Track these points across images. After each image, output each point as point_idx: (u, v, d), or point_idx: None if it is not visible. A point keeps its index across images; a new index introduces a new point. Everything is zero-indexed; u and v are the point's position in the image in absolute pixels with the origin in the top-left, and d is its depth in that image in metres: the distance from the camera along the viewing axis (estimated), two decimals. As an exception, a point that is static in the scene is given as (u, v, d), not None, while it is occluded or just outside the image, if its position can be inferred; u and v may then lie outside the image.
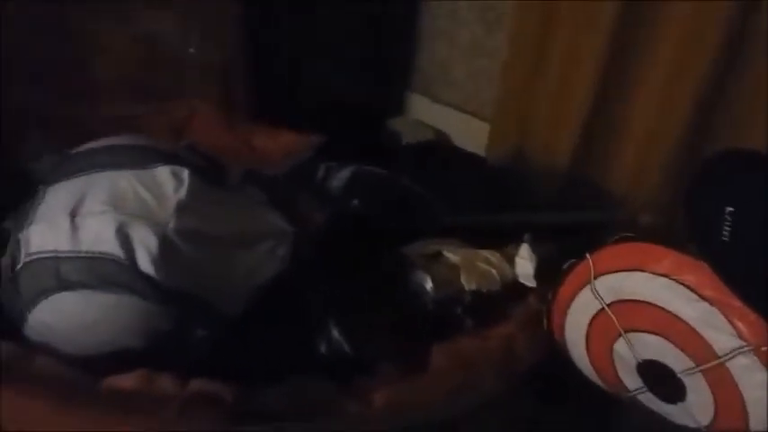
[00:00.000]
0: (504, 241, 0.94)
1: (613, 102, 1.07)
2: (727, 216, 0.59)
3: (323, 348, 0.73)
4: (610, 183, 1.14)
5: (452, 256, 0.85)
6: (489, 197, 1.14)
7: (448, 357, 0.72)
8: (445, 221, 0.99)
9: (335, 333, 0.73)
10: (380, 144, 1.38)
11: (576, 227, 1.02)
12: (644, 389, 0.72)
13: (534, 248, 0.91)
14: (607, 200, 1.14)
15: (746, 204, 0.59)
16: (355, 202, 0.96)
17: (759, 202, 0.58)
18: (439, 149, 1.44)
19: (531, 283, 0.88)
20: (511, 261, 0.90)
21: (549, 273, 0.85)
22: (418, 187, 1.02)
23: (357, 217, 0.94)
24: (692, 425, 0.69)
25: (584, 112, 1.09)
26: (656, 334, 0.68)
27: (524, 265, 0.89)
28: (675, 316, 0.65)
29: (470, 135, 1.40)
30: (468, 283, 0.83)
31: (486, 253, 0.89)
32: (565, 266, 0.80)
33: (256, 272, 0.73)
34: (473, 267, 0.85)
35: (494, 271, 0.87)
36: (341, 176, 1.01)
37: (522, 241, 0.91)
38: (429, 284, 0.81)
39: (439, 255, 0.86)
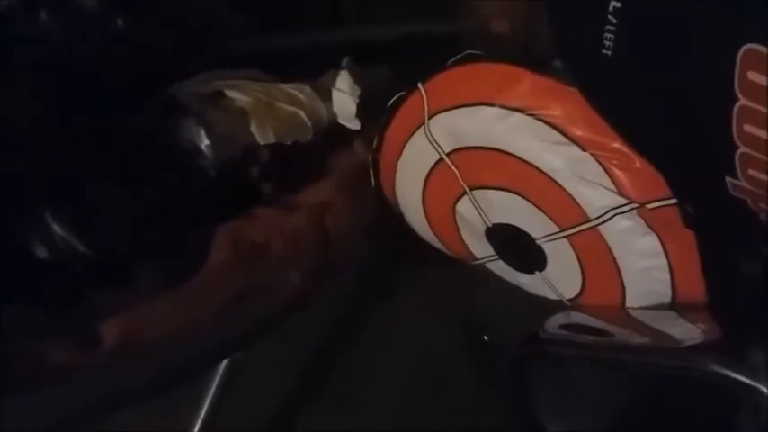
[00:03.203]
0: (319, 69, 0.70)
1: None
2: (610, 15, 0.39)
3: (42, 253, 0.49)
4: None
5: (239, 96, 0.61)
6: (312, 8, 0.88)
7: (230, 247, 0.51)
8: (241, 45, 0.73)
9: (57, 227, 0.49)
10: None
11: (417, 42, 0.81)
12: (495, 257, 0.56)
13: (357, 76, 0.68)
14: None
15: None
16: (119, 22, 0.68)
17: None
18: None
19: (355, 125, 0.66)
20: (327, 96, 0.67)
21: (380, 108, 0.64)
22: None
23: (122, 44, 0.66)
24: (552, 296, 0.54)
25: None
26: (510, 191, 0.49)
27: (344, 99, 0.66)
28: (535, 167, 0.47)
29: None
30: (261, 135, 0.59)
31: (290, 88, 0.64)
32: (392, 101, 0.58)
33: None
34: (270, 111, 0.61)
35: (301, 113, 0.63)
36: (96, -11, 0.71)
37: (341, 68, 0.68)
38: (204, 141, 0.57)
39: (220, 96, 0.61)
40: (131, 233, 0.51)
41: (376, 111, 0.64)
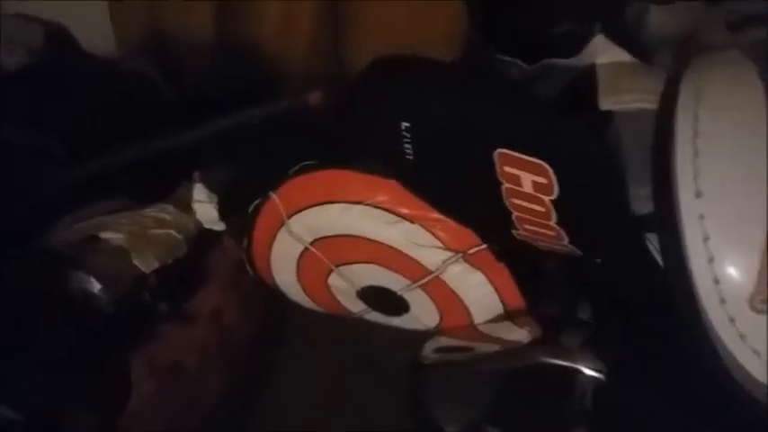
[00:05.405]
0: (169, 183, 0.78)
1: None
2: (404, 132, 0.52)
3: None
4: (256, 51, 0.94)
5: (114, 235, 0.68)
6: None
7: (151, 373, 0.58)
8: (70, 178, 0.73)
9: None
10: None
11: (246, 131, 0.89)
12: (369, 309, 0.68)
13: (211, 182, 0.77)
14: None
15: (421, 117, 0.52)
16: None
17: (434, 113, 0.52)
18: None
19: (220, 227, 0.76)
20: (188, 208, 0.75)
21: (240, 200, 0.73)
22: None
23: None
24: (421, 329, 0.67)
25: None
26: (368, 262, 0.62)
27: (205, 209, 0.75)
28: (380, 243, 0.60)
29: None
30: (145, 265, 0.67)
31: (155, 212, 0.72)
32: (250, 209, 0.68)
33: None
34: (146, 240, 0.69)
35: (173, 232, 0.72)
36: None
37: (193, 181, 0.76)
38: (96, 286, 0.64)
39: (96, 239, 0.68)
40: (51, 391, 0.55)
41: (236, 206, 0.73)
